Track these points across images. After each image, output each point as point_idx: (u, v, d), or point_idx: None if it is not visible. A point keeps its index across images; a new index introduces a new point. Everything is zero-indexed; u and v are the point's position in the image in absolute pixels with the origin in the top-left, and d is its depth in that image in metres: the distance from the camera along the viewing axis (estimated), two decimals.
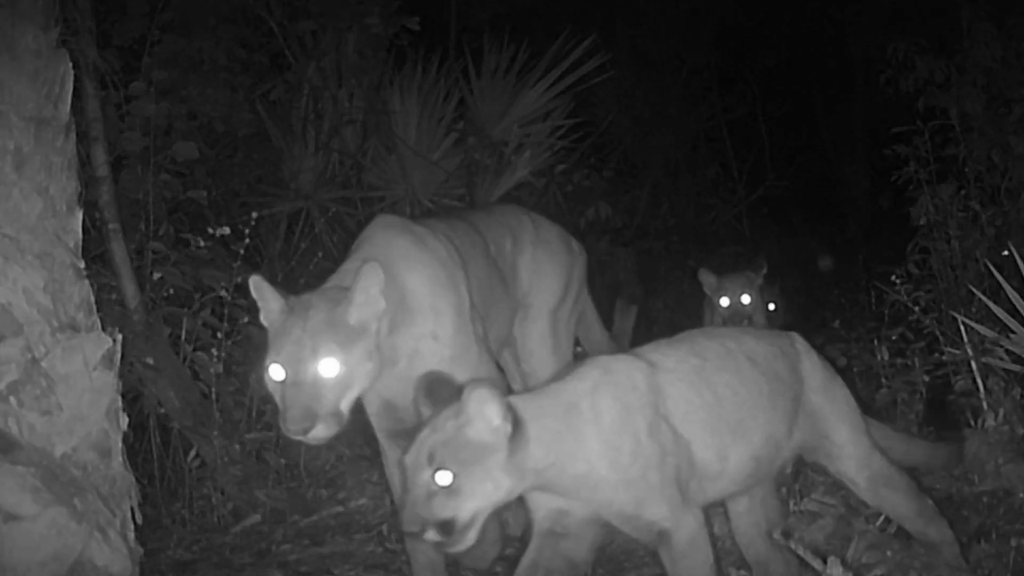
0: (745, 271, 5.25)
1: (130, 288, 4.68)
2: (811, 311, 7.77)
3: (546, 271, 4.02)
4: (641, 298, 5.24)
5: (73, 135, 3.38)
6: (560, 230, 4.24)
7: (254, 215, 4.78)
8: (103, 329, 3.42)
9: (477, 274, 3.53)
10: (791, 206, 11.04)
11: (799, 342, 3.02)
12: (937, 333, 4.91)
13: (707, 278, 5.19)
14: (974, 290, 4.90)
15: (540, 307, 4.00)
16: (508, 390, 3.39)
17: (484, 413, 2.47)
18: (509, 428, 2.48)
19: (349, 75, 6.48)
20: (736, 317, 5.04)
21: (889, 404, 4.25)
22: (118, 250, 4.68)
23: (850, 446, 2.92)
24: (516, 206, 4.20)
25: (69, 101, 3.36)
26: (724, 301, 5.11)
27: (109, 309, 4.40)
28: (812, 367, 2.97)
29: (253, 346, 4.51)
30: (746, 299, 5.09)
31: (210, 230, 4.84)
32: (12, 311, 3.19)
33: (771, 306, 5.56)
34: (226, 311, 4.54)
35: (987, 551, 3.01)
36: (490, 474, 2.47)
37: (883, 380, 4.46)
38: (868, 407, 4.45)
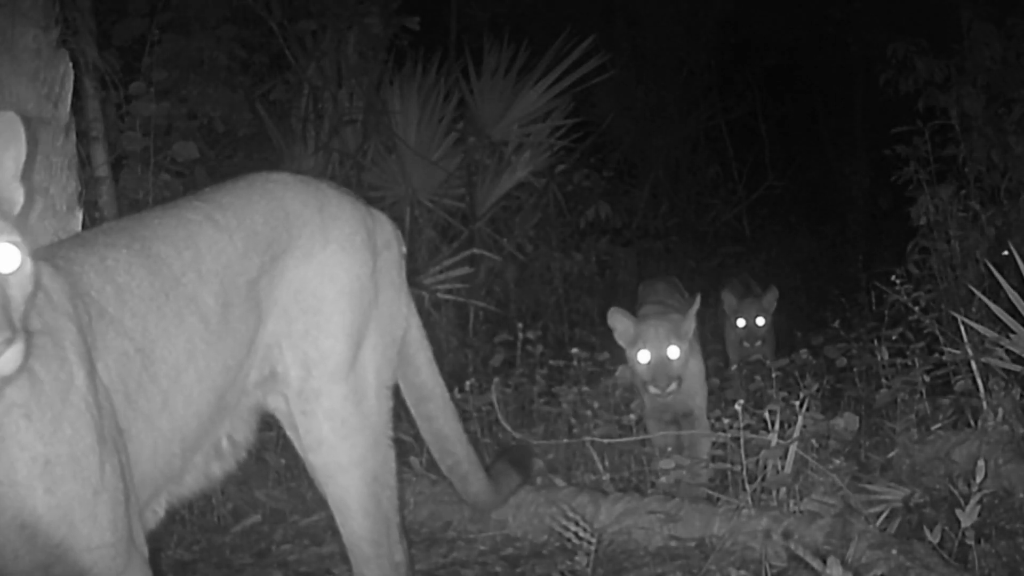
0: (761, 298, 5.98)
1: None
2: (811, 311, 7.77)
3: (328, 302, 2.42)
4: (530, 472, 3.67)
5: (73, 135, 3.38)
6: (355, 208, 2.55)
7: None
8: None
9: (129, 345, 2.13)
10: (791, 206, 11.04)
11: None
12: (937, 333, 4.90)
13: (728, 299, 6.02)
14: (974, 290, 4.90)
15: (323, 372, 2.41)
16: None
17: None
18: None
19: (349, 75, 6.49)
20: (750, 336, 5.84)
21: (889, 404, 4.24)
22: None
23: None
24: (292, 180, 2.60)
25: (69, 101, 3.36)
26: (740, 322, 5.89)
27: None
28: None
29: None
30: (760, 321, 5.84)
31: None
32: None
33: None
34: None
35: (987, 551, 3.00)
36: None
37: (883, 380, 4.45)
38: (868, 407, 4.47)
